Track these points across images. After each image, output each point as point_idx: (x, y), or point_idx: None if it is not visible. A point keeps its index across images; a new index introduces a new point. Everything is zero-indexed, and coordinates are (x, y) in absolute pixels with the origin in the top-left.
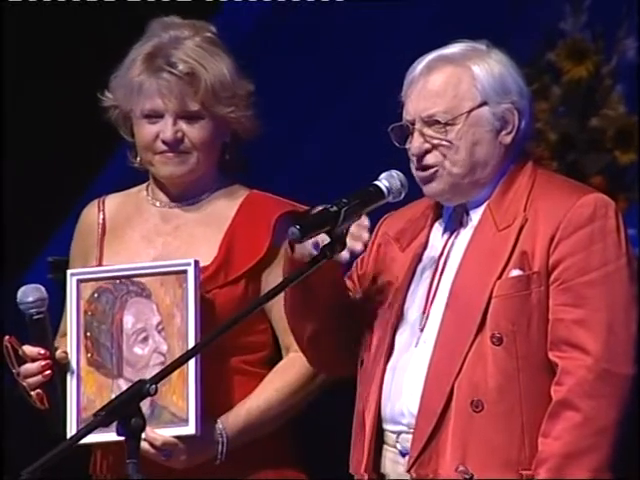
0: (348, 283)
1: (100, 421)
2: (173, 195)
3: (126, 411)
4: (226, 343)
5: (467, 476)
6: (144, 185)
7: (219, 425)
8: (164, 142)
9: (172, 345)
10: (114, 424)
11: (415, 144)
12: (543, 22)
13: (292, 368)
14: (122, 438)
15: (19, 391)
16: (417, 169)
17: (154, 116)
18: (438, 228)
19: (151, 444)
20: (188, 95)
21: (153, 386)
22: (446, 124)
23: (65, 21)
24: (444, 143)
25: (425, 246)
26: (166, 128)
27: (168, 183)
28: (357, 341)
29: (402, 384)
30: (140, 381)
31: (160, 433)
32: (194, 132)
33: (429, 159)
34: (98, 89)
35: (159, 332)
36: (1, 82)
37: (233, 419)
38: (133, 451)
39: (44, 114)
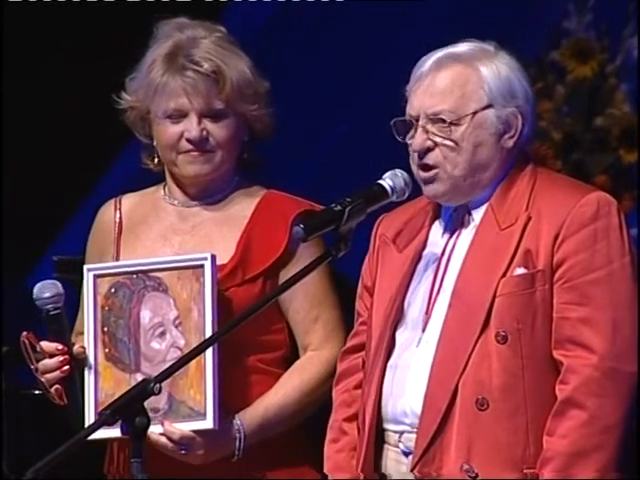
0: (359, 303)
1: (104, 420)
2: (191, 194)
3: (130, 410)
4: (242, 342)
5: (472, 475)
6: (160, 185)
7: (237, 421)
8: (189, 141)
9: (190, 340)
10: (119, 422)
11: (418, 140)
12: (547, 21)
13: (310, 366)
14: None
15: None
16: (418, 168)
17: (177, 116)
18: (438, 227)
19: (169, 438)
20: (213, 93)
21: (157, 385)
22: (451, 123)
23: (65, 21)
24: (447, 143)
25: (424, 245)
26: (191, 127)
27: (189, 182)
28: None
29: (404, 384)
30: (145, 380)
31: (178, 427)
32: (218, 131)
33: (430, 158)
34: (102, 88)
35: (176, 327)
36: (1, 81)
37: (250, 415)
38: (137, 450)
39: (48, 114)
